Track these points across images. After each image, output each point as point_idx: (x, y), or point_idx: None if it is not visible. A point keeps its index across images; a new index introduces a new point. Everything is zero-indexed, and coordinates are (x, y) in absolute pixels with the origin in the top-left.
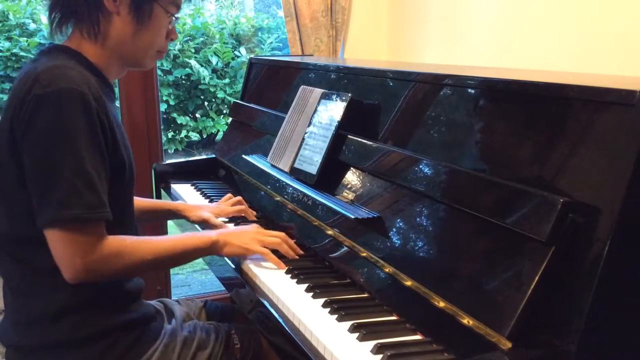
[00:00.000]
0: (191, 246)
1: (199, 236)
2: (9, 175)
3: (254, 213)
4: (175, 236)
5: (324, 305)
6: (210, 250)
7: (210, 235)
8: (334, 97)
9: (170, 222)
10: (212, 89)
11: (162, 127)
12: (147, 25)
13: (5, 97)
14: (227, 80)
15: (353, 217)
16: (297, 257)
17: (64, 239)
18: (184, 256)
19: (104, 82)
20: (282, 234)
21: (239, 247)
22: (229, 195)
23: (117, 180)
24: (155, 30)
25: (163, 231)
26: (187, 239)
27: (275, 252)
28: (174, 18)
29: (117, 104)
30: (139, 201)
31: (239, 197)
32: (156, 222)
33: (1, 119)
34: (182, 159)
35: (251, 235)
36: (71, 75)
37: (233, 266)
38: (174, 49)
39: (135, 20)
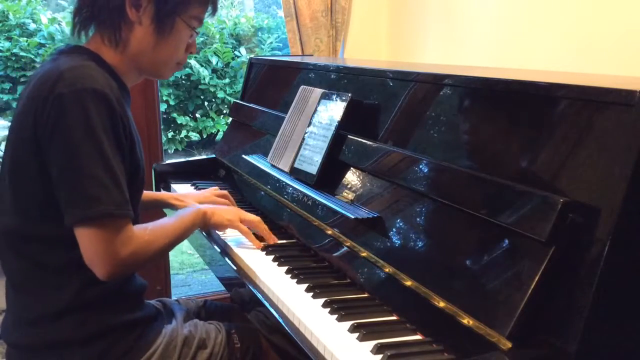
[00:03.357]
0: (189, 222)
1: (190, 212)
2: (28, 172)
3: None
4: (173, 217)
5: (324, 305)
6: (202, 221)
7: (199, 207)
8: (334, 97)
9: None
10: (212, 89)
11: (162, 127)
12: (167, 37)
13: (5, 97)
14: (227, 80)
15: (353, 217)
16: (275, 241)
17: (96, 236)
18: (185, 233)
19: (121, 86)
20: (257, 218)
21: (225, 219)
22: (215, 187)
23: (131, 182)
24: (175, 43)
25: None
26: (185, 217)
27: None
28: (195, 32)
29: None
30: None
31: (225, 192)
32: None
33: (19, 115)
34: (182, 159)
35: (233, 211)
36: (94, 76)
37: (233, 266)
38: None
39: (156, 32)
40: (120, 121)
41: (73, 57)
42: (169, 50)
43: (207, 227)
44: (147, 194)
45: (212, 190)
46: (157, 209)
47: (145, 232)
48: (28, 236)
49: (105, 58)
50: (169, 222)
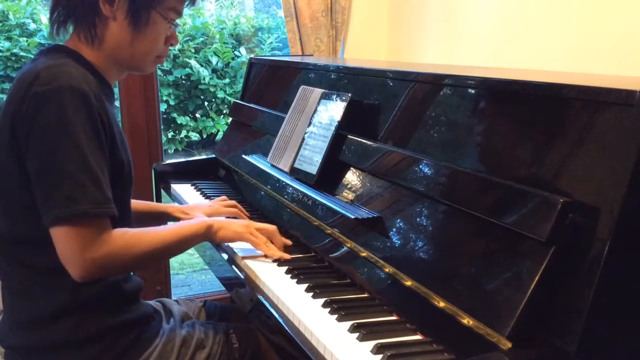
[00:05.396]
0: (188, 233)
1: (195, 223)
2: (9, 174)
3: (248, 215)
4: (173, 225)
5: (324, 305)
6: (206, 235)
7: (205, 220)
8: (334, 97)
9: None
10: (212, 89)
11: (162, 127)
12: (144, 32)
13: (5, 98)
14: (227, 80)
15: (353, 217)
16: (286, 256)
17: (71, 236)
18: (182, 243)
19: (103, 83)
20: (273, 227)
21: (232, 232)
22: (224, 197)
23: (115, 181)
24: (153, 37)
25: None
26: (184, 227)
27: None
28: (173, 24)
29: (117, 104)
30: (133, 203)
31: (234, 202)
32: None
33: (0, 116)
34: (182, 159)
35: (244, 223)
36: (71, 73)
37: (233, 266)
38: (174, 49)
39: (131, 26)
40: (99, 117)
41: (51, 56)
42: (146, 44)
43: (213, 241)
44: (152, 205)
45: (220, 200)
46: (162, 222)
47: (124, 235)
48: (16, 239)
49: (84, 55)
50: (163, 229)
